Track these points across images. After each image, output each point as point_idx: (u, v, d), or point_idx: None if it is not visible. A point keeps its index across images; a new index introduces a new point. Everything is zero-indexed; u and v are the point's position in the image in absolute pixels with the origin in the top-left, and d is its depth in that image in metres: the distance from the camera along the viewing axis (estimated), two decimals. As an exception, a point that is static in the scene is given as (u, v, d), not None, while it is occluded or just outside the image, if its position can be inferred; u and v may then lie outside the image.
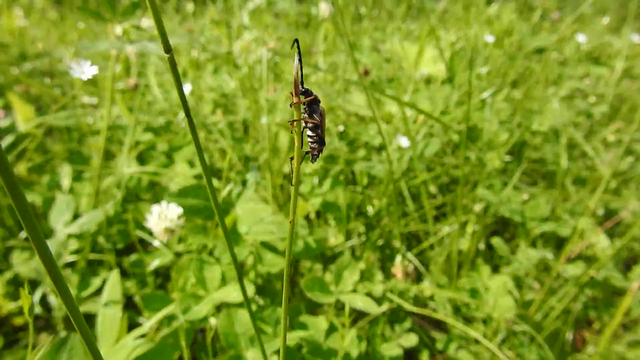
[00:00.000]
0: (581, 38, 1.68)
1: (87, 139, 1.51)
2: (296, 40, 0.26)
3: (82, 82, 1.81)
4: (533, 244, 1.13)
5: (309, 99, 0.29)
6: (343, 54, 2.04)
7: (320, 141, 0.31)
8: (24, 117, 1.33)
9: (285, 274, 0.33)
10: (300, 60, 0.27)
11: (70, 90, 1.84)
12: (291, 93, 0.28)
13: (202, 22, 2.92)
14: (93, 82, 1.97)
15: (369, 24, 2.44)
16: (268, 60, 1.37)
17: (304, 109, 0.29)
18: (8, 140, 1.28)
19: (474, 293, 0.96)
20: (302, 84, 0.28)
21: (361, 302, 0.80)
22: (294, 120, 0.29)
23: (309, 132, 0.30)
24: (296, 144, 0.28)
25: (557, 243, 1.20)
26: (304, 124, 0.30)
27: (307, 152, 0.31)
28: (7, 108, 1.49)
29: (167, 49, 0.41)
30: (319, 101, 0.29)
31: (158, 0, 2.36)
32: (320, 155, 0.32)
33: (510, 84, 1.57)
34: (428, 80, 1.73)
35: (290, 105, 0.28)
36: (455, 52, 1.49)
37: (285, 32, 2.40)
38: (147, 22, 2.08)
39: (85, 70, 0.70)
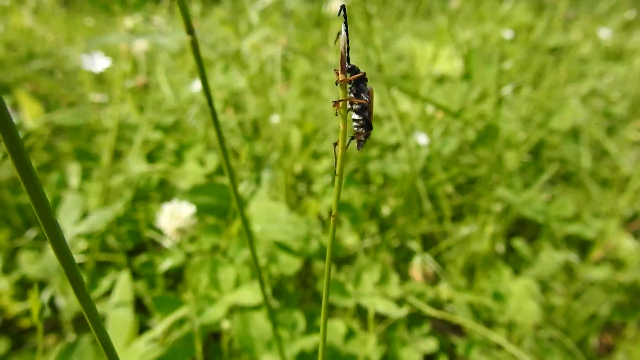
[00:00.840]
0: (603, 34, 1.63)
1: (96, 137, 1.49)
2: (343, 7, 0.23)
3: (91, 80, 1.78)
4: (555, 246, 1.10)
5: (356, 76, 0.26)
6: (354, 53, 2.01)
7: (367, 125, 0.27)
8: (31, 115, 1.30)
9: (326, 275, 0.29)
10: (347, 31, 0.24)
11: (79, 89, 1.82)
12: (335, 71, 0.25)
13: (209, 23, 2.90)
14: (102, 80, 1.95)
15: (379, 23, 2.41)
16: (279, 58, 1.34)
17: (350, 88, 0.26)
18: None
19: (496, 296, 0.92)
20: (348, 59, 0.25)
21: (382, 305, 0.76)
22: (339, 101, 0.25)
23: (355, 115, 0.27)
24: (341, 128, 0.25)
25: (581, 245, 1.16)
26: (349, 105, 0.27)
27: (352, 138, 0.28)
28: (15, 106, 1.46)
29: (190, 30, 0.38)
30: (367, 79, 0.26)
31: (167, 2, 2.34)
32: (367, 141, 0.29)
33: (529, 82, 1.53)
34: (441, 79, 1.70)
35: (336, 84, 0.25)
36: (472, 50, 1.46)
37: (295, 31, 2.37)
38: (158, 19, 2.06)
39: (97, 63, 0.67)
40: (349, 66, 0.26)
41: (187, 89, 1.63)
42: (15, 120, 1.39)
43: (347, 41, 0.24)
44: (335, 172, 0.26)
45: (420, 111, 1.06)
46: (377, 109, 1.58)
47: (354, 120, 0.28)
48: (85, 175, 1.28)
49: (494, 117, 1.13)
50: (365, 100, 0.26)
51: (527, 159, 1.33)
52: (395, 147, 1.40)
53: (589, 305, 0.95)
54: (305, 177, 1.47)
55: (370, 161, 1.33)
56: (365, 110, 0.27)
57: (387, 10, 2.67)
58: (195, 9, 2.94)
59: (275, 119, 1.43)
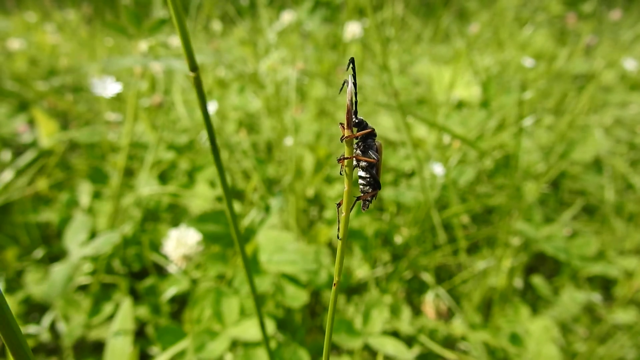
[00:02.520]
0: (629, 64, 1.59)
1: (110, 155, 1.49)
2: (351, 60, 0.21)
3: (109, 98, 1.80)
4: (577, 285, 1.04)
5: (364, 132, 0.23)
6: (370, 76, 1.99)
7: (375, 184, 0.25)
8: (47, 133, 1.31)
9: (325, 348, 0.27)
10: (355, 84, 0.22)
11: (97, 107, 1.84)
12: (341, 124, 0.22)
13: (229, 42, 2.93)
14: (120, 98, 1.97)
15: (396, 46, 2.40)
16: (296, 80, 1.33)
17: (357, 143, 0.24)
18: (29, 155, 1.26)
19: (514, 338, 0.87)
20: (355, 113, 0.23)
21: (391, 348, 0.72)
22: (344, 158, 0.23)
23: (362, 173, 0.25)
24: (346, 188, 0.23)
25: (605, 284, 1.10)
26: (355, 163, 0.24)
27: (357, 198, 0.25)
28: (31, 123, 1.48)
29: (193, 67, 0.37)
30: (375, 135, 0.24)
31: (190, 21, 2.37)
32: (373, 201, 0.26)
33: (550, 110, 1.49)
34: (459, 105, 1.67)
35: (341, 140, 0.22)
36: (491, 77, 1.43)
37: (312, 52, 2.37)
38: (176, 40, 2.08)
39: (108, 87, 0.66)
40: (357, 120, 0.23)
41: (209, 112, 1.63)
42: (30, 137, 1.40)
43: (355, 94, 0.22)
44: (338, 235, 0.23)
45: (436, 139, 1.03)
46: (392, 135, 1.56)
47: (361, 178, 0.25)
48: (97, 195, 1.27)
49: (514, 147, 1.09)
50: (374, 158, 0.24)
51: (547, 190, 1.29)
52: (410, 174, 1.36)
53: (614, 351, 0.89)
54: (317, 201, 1.44)
55: (385, 187, 1.30)
56: (373, 168, 0.24)
57: (404, 33, 2.67)
58: (216, 27, 2.98)
59: (288, 141, 1.41)
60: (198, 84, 0.36)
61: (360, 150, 0.24)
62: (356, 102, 0.22)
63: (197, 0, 2.20)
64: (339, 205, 0.23)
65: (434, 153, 1.20)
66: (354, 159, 0.24)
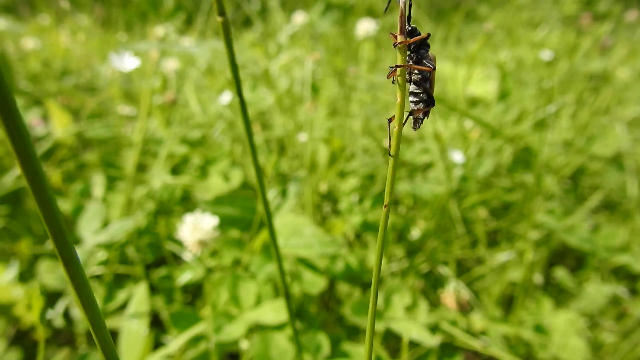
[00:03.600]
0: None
1: (123, 150, 1.48)
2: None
3: (121, 96, 1.80)
4: (602, 279, 1.01)
5: (418, 38, 0.21)
6: (383, 73, 1.98)
7: (428, 99, 0.23)
8: (61, 125, 1.31)
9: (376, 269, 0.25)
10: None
11: (109, 104, 1.84)
12: (392, 34, 0.21)
13: (240, 45, 2.94)
14: (132, 97, 1.97)
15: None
16: (310, 72, 1.32)
17: (409, 54, 0.22)
18: (44, 146, 1.26)
19: (538, 329, 0.85)
20: (409, 20, 0.21)
21: (416, 332, 0.70)
22: (397, 67, 0.21)
23: (413, 87, 0.23)
24: (398, 99, 0.21)
25: (630, 278, 1.07)
26: (407, 76, 0.22)
27: (409, 114, 0.24)
28: (45, 116, 1.48)
29: (221, 12, 0.35)
30: (429, 45, 0.22)
31: (198, 25, 2.38)
32: (425, 118, 0.24)
33: (570, 103, 1.47)
34: (474, 102, 1.65)
35: (394, 46, 0.21)
36: (507, 72, 1.41)
37: (324, 54, 2.37)
38: (189, 39, 2.08)
39: (127, 62, 0.65)
40: (410, 27, 0.21)
41: (215, 104, 1.62)
42: (44, 130, 1.40)
43: (410, -4, 0.20)
44: (389, 152, 0.22)
45: (456, 128, 1.01)
46: (406, 129, 1.54)
47: (412, 94, 0.23)
48: (110, 187, 1.26)
49: (535, 138, 1.07)
50: (429, 67, 0.22)
51: (567, 185, 1.26)
52: (425, 168, 1.34)
53: (639, 346, 0.86)
54: (330, 197, 1.42)
55: (399, 181, 1.28)
56: (426, 81, 0.23)
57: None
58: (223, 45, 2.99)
59: (302, 137, 1.40)
60: (226, 28, 0.35)
61: (413, 61, 0.22)
62: (410, 5, 0.21)
63: (207, 4, 2.22)
64: (390, 120, 0.22)
65: (453, 143, 1.18)
66: (407, 69, 0.22)
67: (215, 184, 1.24)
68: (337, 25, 2.76)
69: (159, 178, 1.20)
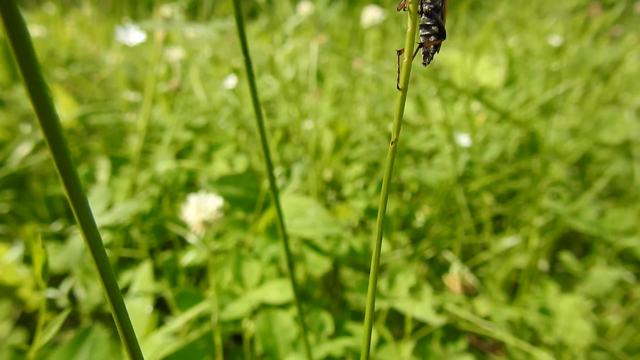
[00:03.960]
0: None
1: (128, 137, 1.48)
2: None
3: (126, 84, 1.80)
4: (608, 263, 1.00)
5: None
6: (390, 60, 1.97)
7: (440, 32, 0.22)
8: (66, 108, 1.31)
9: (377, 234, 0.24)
10: None
11: (115, 93, 1.84)
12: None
13: (246, 35, 2.92)
14: (137, 86, 1.97)
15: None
16: (317, 56, 1.31)
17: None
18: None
19: (543, 312, 0.84)
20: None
21: (420, 310, 0.70)
22: (407, -5, 0.20)
23: (424, 18, 0.22)
24: (409, 29, 0.20)
25: (636, 264, 1.06)
26: (419, 7, 0.22)
27: (420, 45, 0.23)
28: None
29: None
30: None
31: (204, 15, 2.37)
32: (437, 52, 0.24)
33: (578, 88, 1.45)
34: (481, 91, 1.64)
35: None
36: (515, 58, 1.39)
37: (329, 44, 2.36)
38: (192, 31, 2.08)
39: (132, 35, 0.65)
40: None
41: (220, 92, 1.62)
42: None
43: None
44: (397, 86, 0.21)
45: (463, 112, 1.00)
46: (412, 117, 1.53)
47: (423, 27, 0.23)
48: (114, 171, 1.26)
49: (542, 124, 1.06)
50: (439, -2, 0.21)
51: (574, 171, 1.25)
52: (431, 155, 1.34)
53: (647, 329, 0.85)
54: (334, 185, 1.42)
55: (404, 168, 1.28)
56: (438, 12, 0.22)
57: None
58: (231, 24, 2.99)
59: (307, 124, 1.40)
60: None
61: (423, -9, 0.22)
62: None
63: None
64: (400, 52, 0.21)
65: (459, 128, 1.17)
66: None
67: (220, 169, 1.24)
68: (343, 16, 2.75)
69: (164, 163, 1.20)
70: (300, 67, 1.76)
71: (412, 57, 0.21)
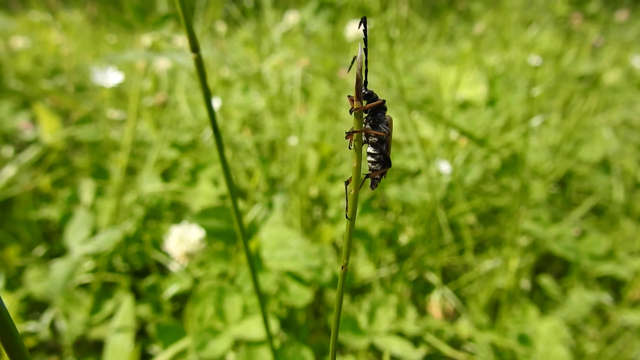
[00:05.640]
0: (636, 62, 1.57)
1: (113, 154, 1.48)
2: (363, 20, 0.19)
3: (112, 96, 1.79)
4: (586, 286, 1.02)
5: (374, 103, 0.22)
6: (375, 75, 1.98)
7: (385, 161, 0.23)
8: (49, 129, 1.30)
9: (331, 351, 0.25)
10: (365, 50, 0.20)
11: (101, 105, 1.83)
12: (350, 97, 0.21)
13: (233, 43, 2.92)
14: (123, 97, 1.96)
15: (401, 46, 2.38)
16: (300, 79, 1.32)
17: (367, 117, 0.22)
18: (31, 152, 1.25)
19: (522, 338, 0.86)
20: (365, 84, 0.21)
21: (398, 347, 0.71)
22: (353, 132, 0.21)
23: (371, 149, 0.23)
24: (354, 164, 0.21)
25: (614, 285, 1.08)
26: (365, 137, 0.23)
27: (367, 176, 0.24)
28: (34, 120, 1.47)
29: (194, 48, 0.35)
30: (386, 108, 0.22)
31: (195, 23, 2.37)
32: (382, 178, 0.25)
33: (557, 109, 1.48)
34: (464, 105, 1.65)
35: (350, 112, 0.21)
36: (497, 75, 1.41)
37: (317, 53, 2.36)
38: (180, 38, 2.07)
39: (110, 77, 0.65)
40: (366, 91, 0.22)
41: (212, 99, 1.62)
42: (33, 133, 1.39)
43: (366, 62, 0.21)
44: (346, 215, 0.22)
45: (442, 137, 1.02)
46: (397, 134, 1.54)
47: (370, 154, 0.24)
48: (99, 192, 1.26)
49: (521, 145, 1.07)
50: (384, 132, 0.22)
51: (555, 190, 1.27)
52: (415, 173, 1.35)
53: (623, 353, 0.87)
54: (321, 201, 1.43)
55: (389, 187, 1.29)
56: (383, 144, 0.23)
57: (409, 34, 2.65)
58: (220, 29, 2.98)
59: (292, 140, 1.40)
60: (199, 65, 0.35)
61: (369, 124, 0.22)
62: (366, 72, 0.21)
63: (202, 2, 2.20)
64: (347, 182, 0.22)
65: (440, 151, 1.18)
66: (363, 133, 0.22)
67: (205, 191, 1.24)
68: (330, 24, 2.75)
69: (149, 184, 1.20)
70: (286, 79, 1.76)
71: (358, 188, 0.21)
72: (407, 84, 1.82)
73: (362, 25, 0.20)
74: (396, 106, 1.51)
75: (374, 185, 0.25)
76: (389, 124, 0.23)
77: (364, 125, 0.23)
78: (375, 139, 0.22)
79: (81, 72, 2.16)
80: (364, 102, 0.22)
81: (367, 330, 0.76)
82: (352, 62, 0.21)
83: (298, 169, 1.26)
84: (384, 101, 0.22)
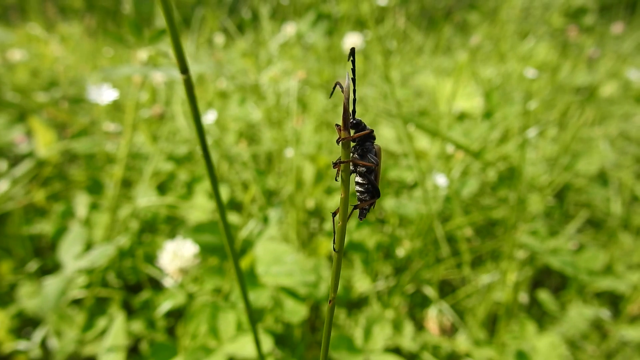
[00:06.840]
0: (633, 75, 1.58)
1: (108, 167, 1.47)
2: (352, 52, 0.19)
3: (109, 109, 1.79)
4: (584, 300, 1.01)
5: (362, 133, 0.21)
6: (371, 87, 1.98)
7: (373, 191, 0.23)
8: (44, 143, 1.29)
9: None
10: (354, 80, 0.20)
11: (97, 118, 1.83)
12: (337, 126, 0.20)
13: (231, 54, 2.93)
14: (120, 109, 1.96)
15: (398, 58, 2.39)
16: (297, 91, 1.32)
17: (355, 147, 0.22)
18: (26, 165, 1.24)
19: (520, 355, 0.84)
20: (353, 113, 0.21)
21: (394, 366, 0.70)
22: (340, 162, 0.21)
23: (359, 179, 0.23)
24: (342, 195, 0.21)
25: (613, 300, 1.07)
26: (353, 168, 0.22)
27: (355, 207, 0.23)
28: (29, 133, 1.46)
29: (184, 69, 0.35)
30: (374, 137, 0.22)
31: (193, 34, 2.37)
32: (370, 209, 0.24)
33: (554, 122, 1.48)
34: (461, 117, 1.65)
35: (338, 142, 0.21)
36: (493, 87, 1.41)
37: (314, 64, 2.37)
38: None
39: (104, 94, 0.65)
40: (354, 121, 0.21)
41: (202, 119, 1.62)
42: (28, 146, 1.38)
43: (354, 91, 0.20)
44: (333, 247, 0.21)
45: (439, 150, 1.01)
46: (393, 146, 1.54)
47: (358, 184, 0.23)
48: (94, 206, 1.25)
49: (518, 158, 1.07)
50: (372, 162, 0.22)
51: (552, 202, 1.26)
52: (412, 185, 1.34)
53: (623, 369, 0.86)
54: (317, 213, 1.42)
55: (386, 199, 1.28)
56: (371, 174, 0.22)
57: (406, 45, 2.67)
58: (218, 40, 2.99)
59: (289, 152, 1.40)
60: (189, 86, 0.35)
61: (357, 154, 0.22)
62: (354, 101, 0.21)
63: (199, 14, 2.21)
64: (335, 214, 0.21)
65: (437, 164, 1.18)
66: (351, 163, 0.22)
67: (200, 204, 1.23)
68: (327, 36, 2.76)
69: (144, 198, 1.19)
70: (283, 91, 1.77)
71: (346, 220, 0.21)
72: (404, 95, 1.83)
73: (351, 56, 0.19)
74: (393, 118, 1.51)
75: (362, 216, 0.24)
76: (377, 154, 0.22)
77: (351, 155, 0.22)
78: (364, 169, 0.22)
79: (78, 84, 2.16)
80: (352, 132, 0.21)
81: (363, 348, 0.75)
82: (334, 88, 0.21)
83: (294, 181, 1.25)
84: (372, 131, 0.21)
